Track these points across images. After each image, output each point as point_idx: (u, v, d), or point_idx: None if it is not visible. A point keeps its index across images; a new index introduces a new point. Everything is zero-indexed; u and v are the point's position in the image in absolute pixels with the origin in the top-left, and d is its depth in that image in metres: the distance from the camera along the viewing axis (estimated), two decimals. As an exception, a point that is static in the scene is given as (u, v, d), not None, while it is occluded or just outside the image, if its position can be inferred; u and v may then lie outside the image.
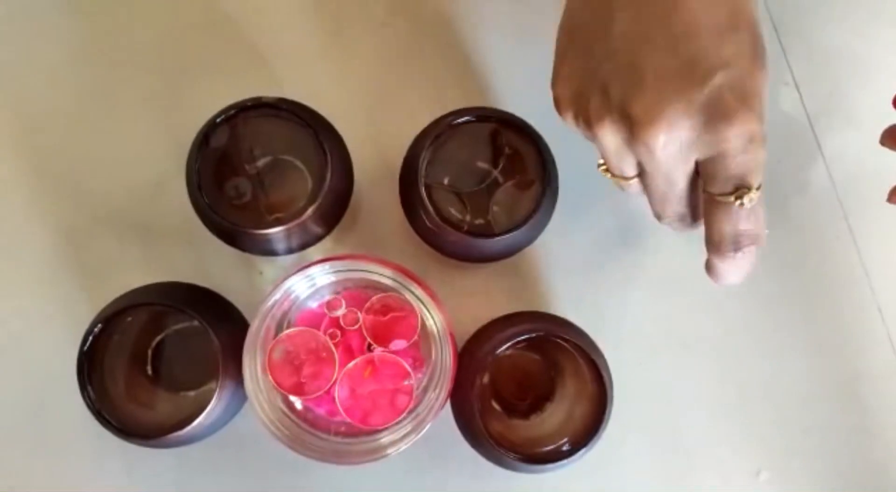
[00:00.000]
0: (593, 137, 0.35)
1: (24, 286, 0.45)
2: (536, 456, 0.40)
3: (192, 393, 0.43)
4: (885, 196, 0.46)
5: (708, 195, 0.35)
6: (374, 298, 0.39)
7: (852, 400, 0.46)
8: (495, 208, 0.42)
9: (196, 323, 0.39)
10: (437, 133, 0.41)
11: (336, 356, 0.38)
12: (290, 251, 0.42)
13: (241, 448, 0.44)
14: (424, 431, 0.38)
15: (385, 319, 0.39)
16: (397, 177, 0.43)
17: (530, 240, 0.43)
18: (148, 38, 0.46)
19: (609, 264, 0.46)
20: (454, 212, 0.42)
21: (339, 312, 0.39)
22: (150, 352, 0.43)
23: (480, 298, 0.45)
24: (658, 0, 0.33)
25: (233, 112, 0.39)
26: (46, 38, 0.46)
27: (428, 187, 0.41)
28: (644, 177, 0.36)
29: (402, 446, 0.38)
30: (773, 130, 0.46)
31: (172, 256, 0.45)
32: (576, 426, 0.40)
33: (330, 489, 0.45)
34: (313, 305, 0.41)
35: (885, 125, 0.43)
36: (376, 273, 0.38)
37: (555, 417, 0.41)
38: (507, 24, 0.47)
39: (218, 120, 0.39)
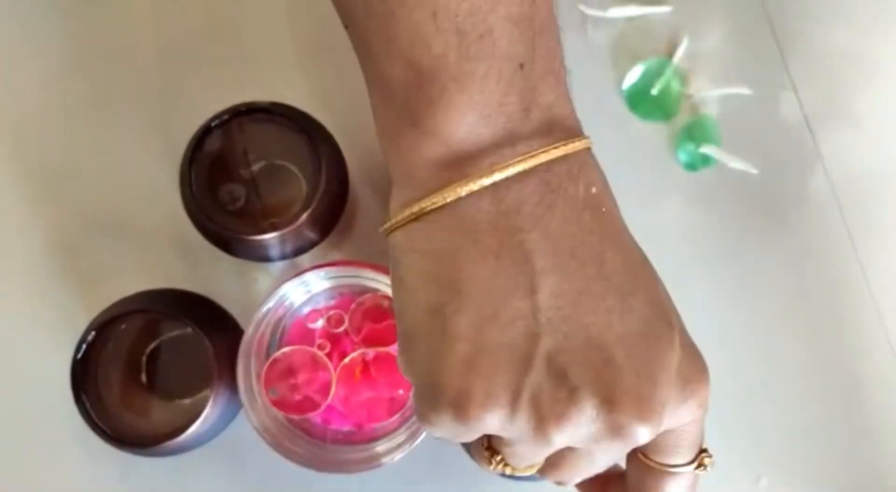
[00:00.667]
0: (541, 439, 0.26)
1: (16, 294, 0.45)
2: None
3: (187, 401, 0.42)
4: (884, 199, 0.46)
5: (658, 467, 0.29)
6: (359, 299, 0.39)
7: (852, 405, 0.45)
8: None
9: (190, 330, 0.39)
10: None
11: (330, 365, 0.38)
12: (285, 257, 0.42)
13: (237, 456, 0.44)
14: (420, 438, 0.38)
15: (380, 326, 0.39)
16: (393, 181, 0.43)
17: (527, 244, 0.43)
18: (140, 43, 0.46)
19: (607, 269, 0.46)
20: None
21: (318, 325, 0.39)
22: (144, 359, 0.43)
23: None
24: (575, 239, 0.26)
25: (226, 117, 0.39)
26: (36, 42, 0.46)
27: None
28: (565, 458, 0.28)
29: (399, 455, 0.38)
30: (770, 133, 0.46)
31: (166, 262, 0.45)
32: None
33: (326, 497, 0.44)
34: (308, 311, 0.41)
35: (885, 127, 0.43)
36: (372, 279, 0.38)
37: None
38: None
39: (211, 125, 0.39)
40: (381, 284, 0.38)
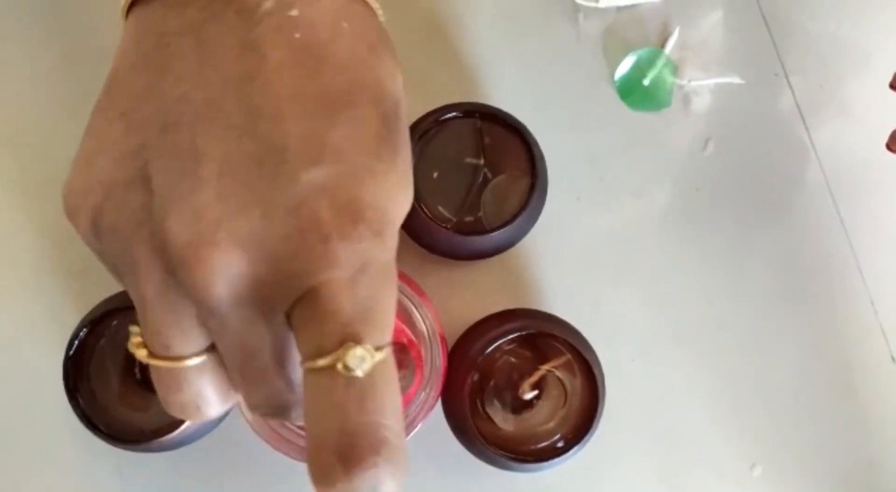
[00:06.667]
0: (129, 266, 0.23)
1: (8, 291, 0.45)
2: (530, 454, 0.39)
3: (181, 396, 0.42)
4: (877, 187, 0.46)
5: (303, 364, 0.22)
6: None
7: (845, 393, 0.46)
8: (485, 205, 0.42)
9: (183, 325, 0.39)
10: (425, 129, 0.40)
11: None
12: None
13: (233, 451, 0.44)
14: (415, 431, 0.38)
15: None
16: (385, 174, 0.42)
17: (520, 236, 0.43)
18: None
19: (600, 260, 0.46)
20: (443, 209, 0.42)
21: None
22: (138, 355, 0.43)
23: (471, 295, 0.45)
24: (232, 52, 0.23)
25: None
26: (32, 39, 0.46)
27: (416, 184, 0.40)
28: (217, 347, 0.24)
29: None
30: (763, 122, 0.46)
31: (158, 257, 0.45)
32: (569, 424, 0.40)
33: None
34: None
35: (878, 116, 0.43)
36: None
37: (547, 415, 0.41)
38: (495, 18, 0.46)
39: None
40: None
